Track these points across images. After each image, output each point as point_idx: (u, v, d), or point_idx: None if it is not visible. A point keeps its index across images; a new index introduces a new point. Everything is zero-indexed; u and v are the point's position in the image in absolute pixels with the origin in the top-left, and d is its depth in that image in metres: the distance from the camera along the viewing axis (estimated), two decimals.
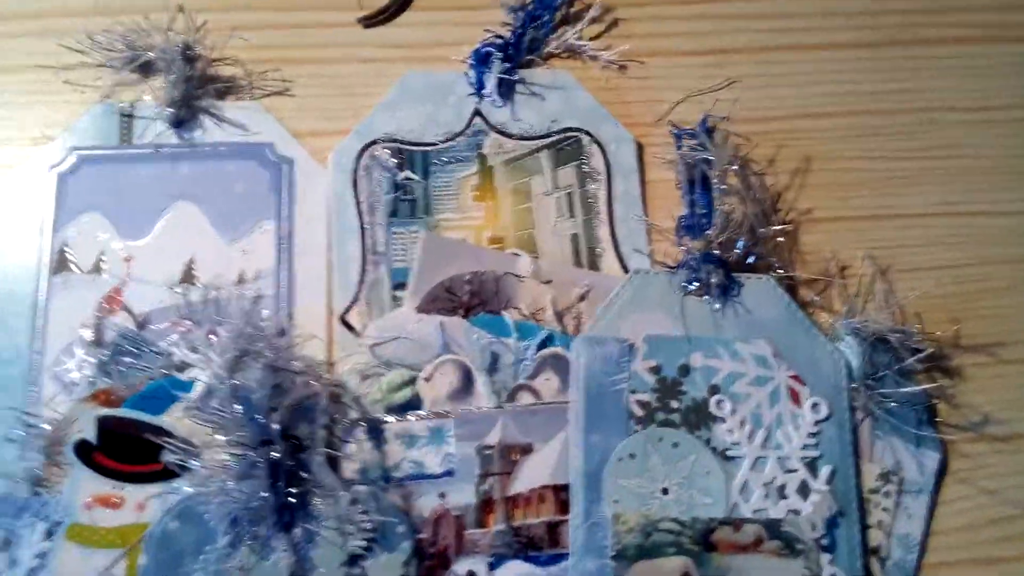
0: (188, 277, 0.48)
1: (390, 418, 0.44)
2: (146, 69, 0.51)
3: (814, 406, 0.45)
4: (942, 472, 0.45)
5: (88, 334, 0.46)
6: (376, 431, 0.44)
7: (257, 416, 0.40)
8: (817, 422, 0.45)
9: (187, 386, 0.44)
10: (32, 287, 0.47)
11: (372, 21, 0.53)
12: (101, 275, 0.48)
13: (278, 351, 0.43)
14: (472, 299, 0.47)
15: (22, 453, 0.44)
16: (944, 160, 0.52)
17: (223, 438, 0.41)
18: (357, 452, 0.43)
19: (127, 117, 0.51)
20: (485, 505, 0.43)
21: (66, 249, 0.48)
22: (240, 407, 0.40)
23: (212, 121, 0.51)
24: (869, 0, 0.55)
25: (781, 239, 0.49)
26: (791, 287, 0.48)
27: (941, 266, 0.50)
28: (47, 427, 0.44)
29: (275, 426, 0.40)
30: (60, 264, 0.48)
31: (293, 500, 0.41)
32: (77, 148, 0.50)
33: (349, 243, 0.48)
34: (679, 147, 0.50)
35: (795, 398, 0.45)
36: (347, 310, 0.47)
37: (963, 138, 0.52)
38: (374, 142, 0.50)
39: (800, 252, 0.50)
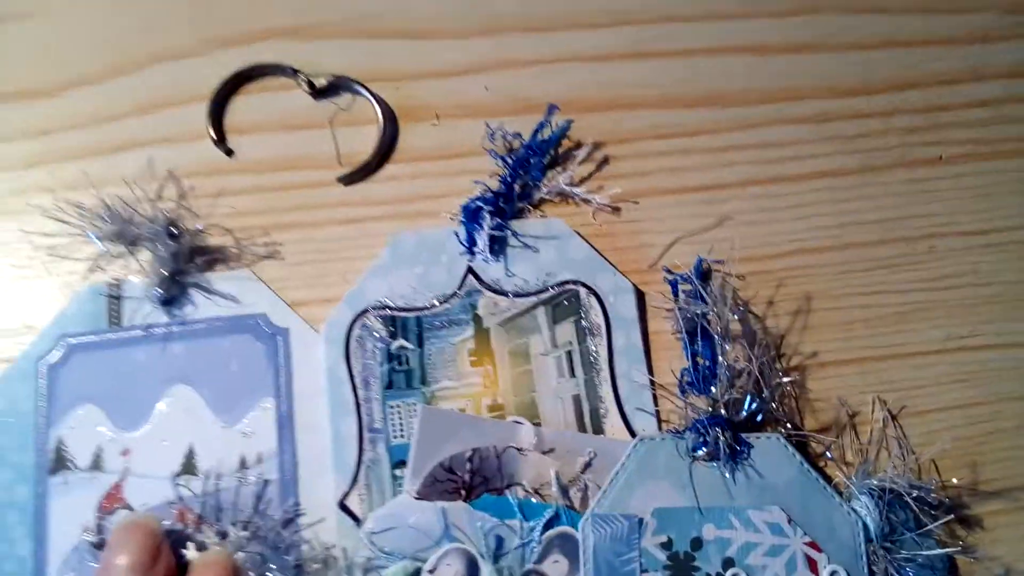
0: (189, 467, 0.47)
1: None
2: (133, 243, 0.50)
3: (832, 574, 0.44)
4: None
5: (91, 538, 0.46)
6: None
7: None
8: None
9: None
10: (31, 491, 0.46)
11: (352, 179, 0.52)
12: (101, 472, 0.47)
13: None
14: (474, 479, 0.46)
15: None
16: (947, 291, 0.51)
17: None
18: None
19: (115, 299, 0.50)
20: None
21: (62, 447, 0.47)
22: None
23: (202, 295, 0.50)
24: (861, 123, 0.53)
25: (789, 388, 0.48)
26: (801, 441, 0.47)
27: (951, 406, 0.49)
28: None
29: None
30: (58, 464, 0.47)
31: None
32: (65, 336, 0.49)
33: (345, 421, 0.47)
34: (675, 295, 0.49)
35: (812, 567, 0.44)
36: (346, 495, 0.46)
37: (966, 265, 0.51)
38: (365, 311, 0.49)
39: (808, 399, 0.49)
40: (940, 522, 0.44)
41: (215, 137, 0.52)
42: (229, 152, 0.52)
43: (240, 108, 0.53)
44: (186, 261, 0.50)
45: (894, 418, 0.48)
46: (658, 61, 0.55)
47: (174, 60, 0.53)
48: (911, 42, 0.55)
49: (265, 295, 0.50)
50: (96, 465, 0.47)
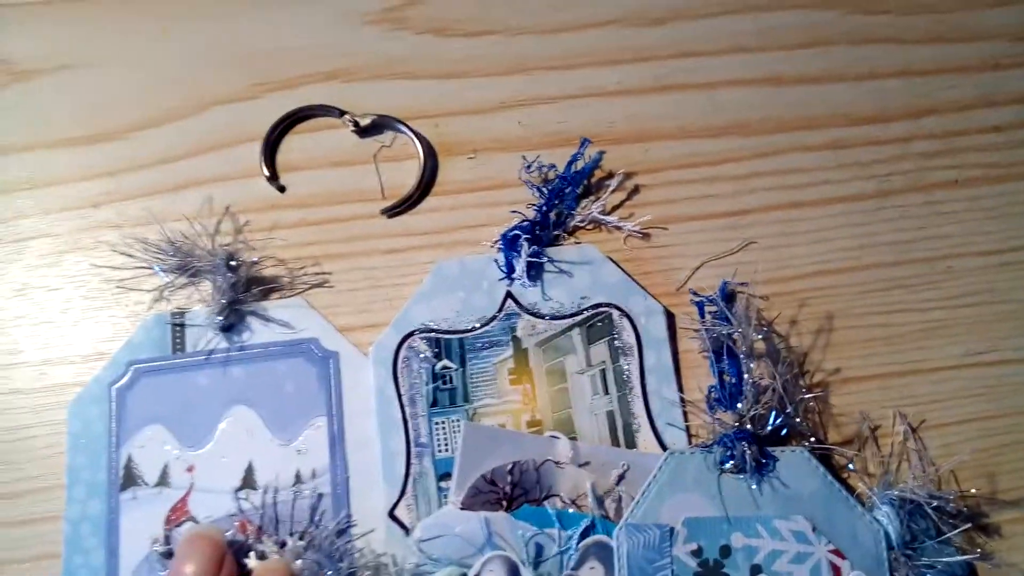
0: (249, 482, 0.51)
1: None
2: (194, 274, 0.54)
3: None
4: None
5: (159, 548, 0.49)
6: None
7: None
8: None
9: None
10: (104, 506, 0.50)
11: (395, 211, 0.56)
12: (168, 487, 0.51)
13: None
14: (514, 490, 0.49)
15: None
16: (965, 308, 0.53)
17: None
18: None
19: (178, 326, 0.54)
20: None
21: (132, 465, 0.51)
22: None
23: (259, 322, 0.54)
24: (877, 150, 0.56)
25: (812, 403, 0.50)
26: (825, 454, 0.49)
27: (969, 419, 0.51)
28: None
29: None
30: (128, 480, 0.51)
31: None
32: (133, 362, 0.53)
33: (394, 437, 0.51)
34: (702, 316, 0.52)
35: (836, 573, 0.46)
36: (395, 505, 0.49)
37: (982, 284, 0.53)
38: (411, 334, 0.53)
39: (831, 414, 0.51)
40: (959, 530, 0.46)
41: (268, 175, 0.56)
42: (281, 188, 0.56)
43: (291, 147, 0.57)
44: (243, 291, 0.53)
45: (914, 431, 0.50)
46: (680, 94, 0.58)
47: (229, 104, 0.58)
48: (925, 71, 0.58)
49: (316, 321, 0.54)
50: (163, 481, 0.51)
